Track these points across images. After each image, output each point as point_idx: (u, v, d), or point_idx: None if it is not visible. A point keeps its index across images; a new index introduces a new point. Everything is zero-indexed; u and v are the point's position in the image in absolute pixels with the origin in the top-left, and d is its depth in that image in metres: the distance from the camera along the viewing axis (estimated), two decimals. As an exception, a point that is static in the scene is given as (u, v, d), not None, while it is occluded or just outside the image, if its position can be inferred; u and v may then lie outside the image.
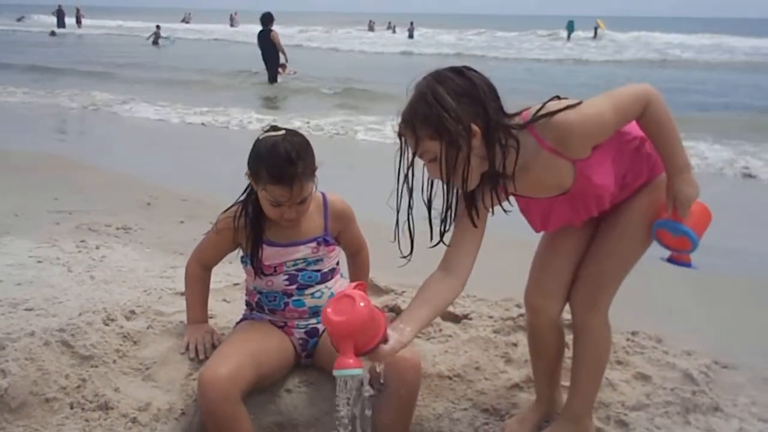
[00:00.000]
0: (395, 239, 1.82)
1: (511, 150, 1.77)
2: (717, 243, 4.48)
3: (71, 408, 2.04)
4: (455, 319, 2.75)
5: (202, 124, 9.73)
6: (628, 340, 2.65)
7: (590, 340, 2.05)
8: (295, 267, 2.19)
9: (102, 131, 9.17)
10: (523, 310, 2.74)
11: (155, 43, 28.70)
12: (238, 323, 2.33)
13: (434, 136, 1.72)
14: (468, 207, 1.86)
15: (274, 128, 2.12)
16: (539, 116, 1.77)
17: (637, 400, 2.26)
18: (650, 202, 1.96)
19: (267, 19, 12.63)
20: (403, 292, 3.00)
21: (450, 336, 2.60)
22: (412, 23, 40.51)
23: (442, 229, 1.87)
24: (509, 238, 2.95)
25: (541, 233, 2.13)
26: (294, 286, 2.19)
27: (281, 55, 13.01)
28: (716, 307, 3.48)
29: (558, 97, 1.82)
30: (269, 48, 12.78)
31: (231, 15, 50.75)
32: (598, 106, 1.77)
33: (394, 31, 44.15)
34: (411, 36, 38.73)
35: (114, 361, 2.24)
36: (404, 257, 1.87)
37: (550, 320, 2.11)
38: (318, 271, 2.22)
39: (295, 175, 2.00)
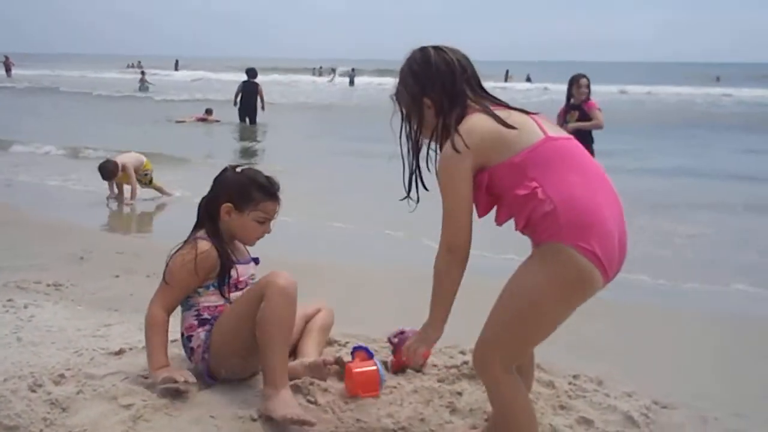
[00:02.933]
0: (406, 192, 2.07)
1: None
2: (655, 283, 4.63)
3: (-8, 485, 1.91)
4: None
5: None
6: (570, 383, 2.67)
7: (494, 399, 2.02)
8: (251, 281, 2.52)
9: (39, 177, 8.84)
10: (467, 358, 2.74)
11: (141, 88, 29.52)
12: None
13: (399, 100, 2.06)
14: (411, 174, 2.07)
15: (236, 165, 2.53)
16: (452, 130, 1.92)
17: (581, 445, 2.27)
18: (540, 274, 1.86)
19: (254, 73, 15.44)
20: (347, 342, 2.97)
21: (394, 387, 2.56)
22: (353, 69, 40.43)
23: (408, 192, 2.07)
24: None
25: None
26: None
27: (259, 103, 15.22)
28: (654, 346, 3.56)
29: (507, 106, 2.00)
30: (252, 97, 15.20)
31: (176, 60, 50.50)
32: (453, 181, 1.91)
33: (331, 80, 41.30)
34: (351, 83, 38.37)
35: (41, 431, 2.11)
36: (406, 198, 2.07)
37: None
38: None
39: (278, 191, 2.49)
